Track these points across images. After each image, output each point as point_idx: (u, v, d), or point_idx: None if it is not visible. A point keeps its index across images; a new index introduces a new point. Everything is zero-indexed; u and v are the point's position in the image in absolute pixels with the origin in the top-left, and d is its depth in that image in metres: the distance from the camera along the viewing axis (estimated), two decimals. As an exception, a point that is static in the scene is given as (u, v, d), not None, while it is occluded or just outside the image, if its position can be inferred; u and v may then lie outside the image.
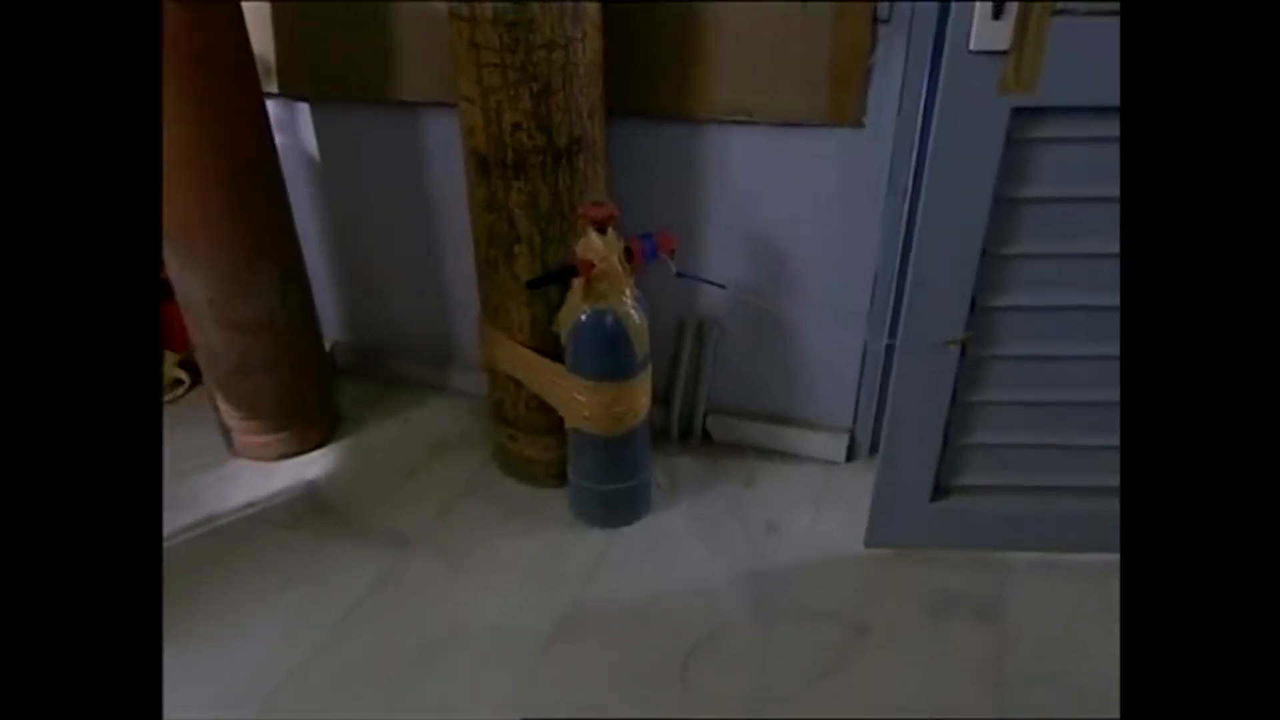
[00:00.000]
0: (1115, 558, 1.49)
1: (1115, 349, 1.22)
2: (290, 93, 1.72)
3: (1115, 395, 1.27)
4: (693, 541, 1.58)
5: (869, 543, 1.55)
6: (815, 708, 1.28)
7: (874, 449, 1.74)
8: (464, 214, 1.63)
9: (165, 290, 1.69)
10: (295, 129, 1.78)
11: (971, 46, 1.17)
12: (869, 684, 1.32)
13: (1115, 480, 1.37)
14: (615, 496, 1.58)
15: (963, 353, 1.35)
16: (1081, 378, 1.36)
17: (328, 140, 1.79)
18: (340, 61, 1.66)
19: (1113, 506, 1.38)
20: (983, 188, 1.24)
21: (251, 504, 1.68)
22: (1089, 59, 1.13)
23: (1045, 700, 1.29)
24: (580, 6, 1.29)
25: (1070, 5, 1.12)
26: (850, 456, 1.76)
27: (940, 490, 1.51)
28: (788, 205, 1.54)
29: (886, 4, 1.34)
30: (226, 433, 1.79)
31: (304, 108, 1.76)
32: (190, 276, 1.57)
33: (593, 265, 1.37)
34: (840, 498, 1.67)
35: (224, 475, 1.75)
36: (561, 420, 1.56)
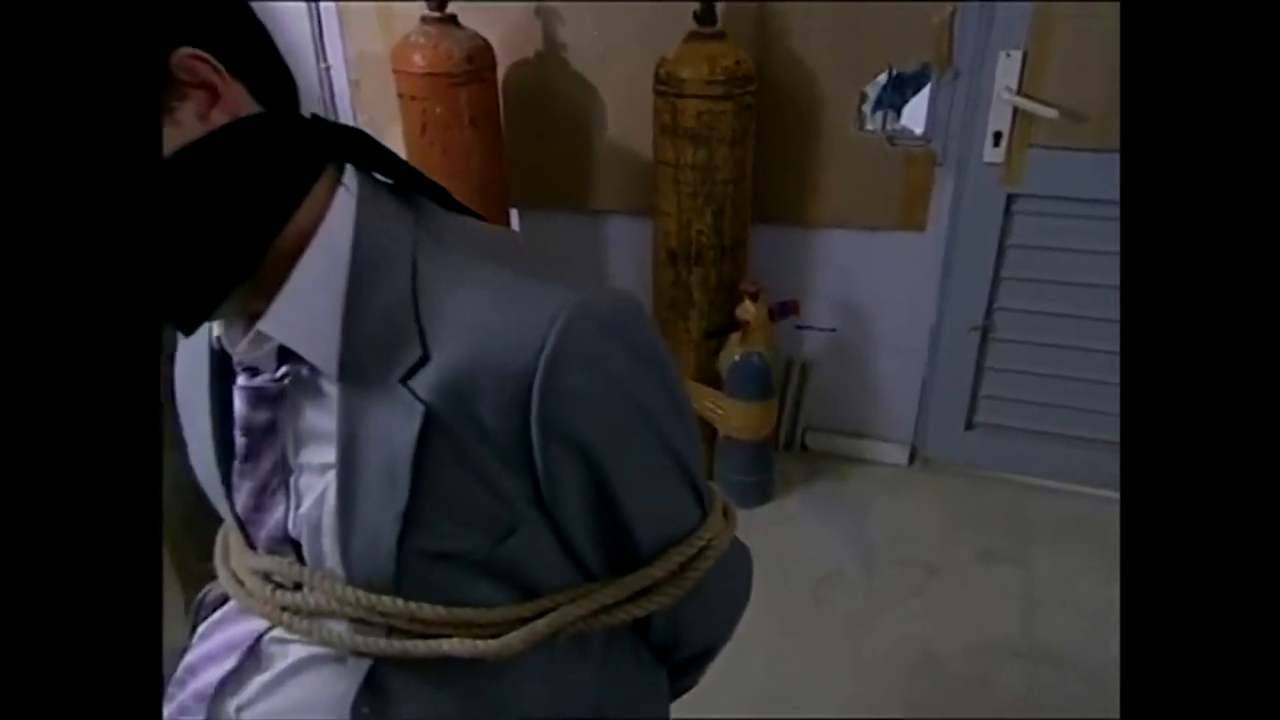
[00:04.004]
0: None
1: (1077, 339, 2.10)
2: (508, 203, 2.42)
3: (1083, 371, 2.11)
4: (808, 516, 2.23)
5: (924, 454, 2.38)
6: (907, 617, 1.93)
7: (927, 459, 2.41)
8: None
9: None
10: (509, 228, 2.47)
11: (984, 160, 2.01)
12: (939, 604, 1.97)
13: (1090, 431, 2.18)
14: (752, 486, 2.24)
15: (983, 336, 2.16)
16: (1059, 357, 2.14)
17: (528, 236, 2.48)
18: (547, 180, 2.36)
19: (1091, 451, 2.19)
20: (992, 238, 2.08)
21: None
22: (1049, 168, 1.98)
23: (1065, 622, 1.93)
24: (745, 156, 2.00)
25: (1038, 140, 1.96)
26: (911, 461, 2.42)
27: (971, 425, 2.30)
28: (871, 282, 2.24)
29: (941, 150, 2.05)
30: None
31: (513, 213, 2.46)
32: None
33: (749, 323, 2.06)
34: (906, 487, 2.33)
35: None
36: (713, 431, 2.22)
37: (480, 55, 2.00)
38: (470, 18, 2.05)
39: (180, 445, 1.63)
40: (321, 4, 2.30)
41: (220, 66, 0.61)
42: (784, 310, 2.13)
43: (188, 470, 1.68)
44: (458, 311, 0.65)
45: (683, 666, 0.92)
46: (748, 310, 2.07)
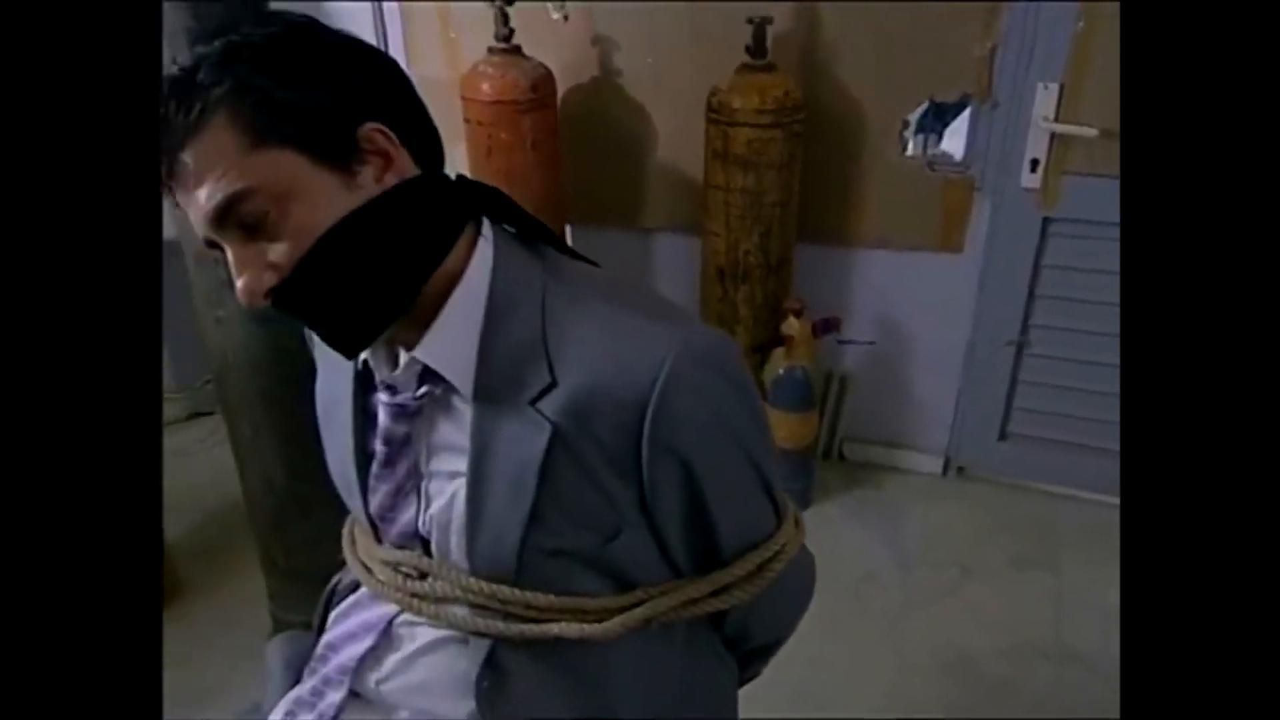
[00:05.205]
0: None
1: (1107, 355, 2.17)
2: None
3: (1112, 386, 2.17)
4: (847, 521, 2.34)
5: (958, 464, 2.47)
6: (939, 616, 2.03)
7: (960, 469, 2.50)
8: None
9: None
10: (561, 243, 2.59)
11: (1022, 185, 2.10)
12: (972, 608, 2.07)
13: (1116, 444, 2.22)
14: (793, 493, 2.32)
15: (1018, 351, 2.25)
16: (1090, 373, 2.22)
17: (580, 251, 2.60)
18: (600, 198, 2.47)
19: (1119, 464, 2.26)
20: (1028, 259, 2.17)
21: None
22: (1082, 194, 2.06)
23: (1092, 626, 2.02)
24: (792, 180, 2.11)
25: (1072, 168, 2.04)
26: (945, 471, 2.51)
27: (1004, 437, 2.39)
28: (910, 300, 2.34)
29: (979, 176, 2.15)
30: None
31: (567, 229, 2.58)
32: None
33: (792, 338, 2.17)
34: (940, 496, 2.42)
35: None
36: (755, 440, 2.33)
37: (543, 84, 2.13)
38: (533, 47, 2.18)
39: (272, 450, 1.75)
40: (389, 36, 2.44)
41: (394, 137, 0.74)
42: (826, 327, 2.24)
43: (276, 474, 1.81)
44: (582, 345, 0.77)
45: (749, 657, 1.04)
46: (792, 326, 2.18)
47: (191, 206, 0.71)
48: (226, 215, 0.70)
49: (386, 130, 0.73)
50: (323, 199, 0.71)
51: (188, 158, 0.69)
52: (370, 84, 0.74)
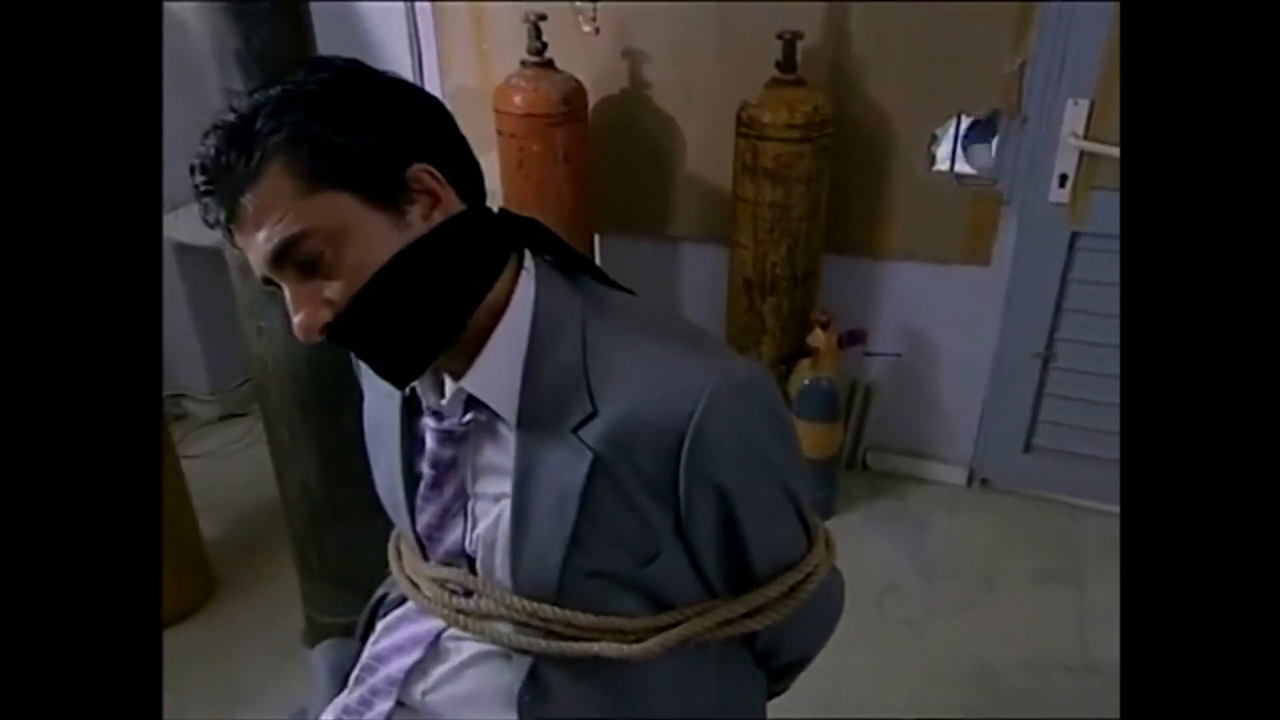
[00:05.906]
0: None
1: None
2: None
3: None
4: (870, 531, 2.36)
5: (982, 475, 2.48)
6: (962, 627, 2.05)
7: (985, 480, 2.52)
8: (702, 314, 2.46)
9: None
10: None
11: (1050, 200, 2.10)
12: (995, 619, 2.08)
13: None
14: (817, 502, 2.37)
15: (1044, 364, 2.25)
16: (1116, 386, 2.18)
17: (608, 260, 2.64)
18: (629, 208, 2.50)
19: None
20: (1055, 273, 2.17)
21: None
22: (1110, 210, 2.06)
23: (1116, 640, 2.04)
24: (819, 194, 2.13)
25: (1101, 184, 2.04)
26: (969, 482, 2.52)
27: (1029, 448, 2.39)
28: (936, 312, 2.35)
29: (1007, 190, 2.16)
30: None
31: (595, 237, 2.62)
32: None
33: (818, 350, 2.19)
34: (964, 507, 2.44)
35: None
36: (780, 449, 2.36)
37: (575, 97, 2.16)
38: (564, 59, 2.21)
39: (309, 457, 1.80)
40: (422, 44, 2.48)
41: (440, 176, 0.77)
42: (852, 339, 2.26)
43: (312, 480, 1.85)
44: (623, 376, 0.80)
45: (778, 674, 1.06)
46: (818, 338, 2.20)
47: (250, 248, 0.75)
48: (284, 256, 0.74)
49: (433, 170, 0.77)
50: (375, 238, 0.75)
51: (247, 202, 0.73)
52: (417, 125, 0.78)
